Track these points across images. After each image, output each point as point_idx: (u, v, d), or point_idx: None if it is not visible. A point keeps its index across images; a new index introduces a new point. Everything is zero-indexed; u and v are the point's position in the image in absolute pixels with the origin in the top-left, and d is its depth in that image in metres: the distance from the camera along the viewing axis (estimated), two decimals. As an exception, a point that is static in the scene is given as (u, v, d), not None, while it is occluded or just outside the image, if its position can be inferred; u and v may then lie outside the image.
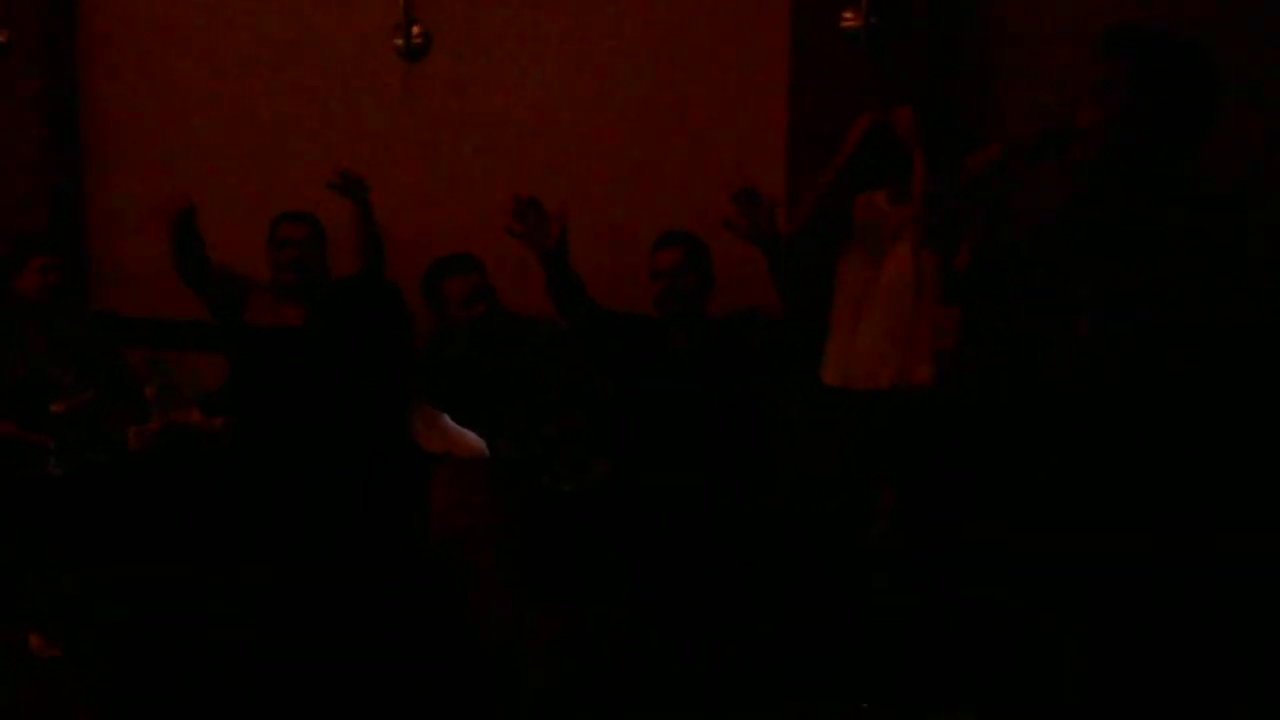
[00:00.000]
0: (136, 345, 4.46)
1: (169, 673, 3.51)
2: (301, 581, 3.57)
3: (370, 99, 4.66)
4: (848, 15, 4.08)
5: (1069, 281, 2.59)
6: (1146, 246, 2.52)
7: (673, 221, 4.05)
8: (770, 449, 3.86)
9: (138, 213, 4.58)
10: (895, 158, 3.57)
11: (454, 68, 4.59)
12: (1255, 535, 2.55)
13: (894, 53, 4.05)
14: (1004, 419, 2.74)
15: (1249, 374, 2.50)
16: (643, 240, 4.00)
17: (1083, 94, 2.58)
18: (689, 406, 3.80)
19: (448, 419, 4.10)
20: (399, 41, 4.60)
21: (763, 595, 3.47)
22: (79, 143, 4.90)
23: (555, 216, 3.72)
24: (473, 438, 4.06)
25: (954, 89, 4.01)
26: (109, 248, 4.87)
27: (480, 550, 3.49)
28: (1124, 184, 2.58)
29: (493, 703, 3.41)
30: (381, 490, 3.74)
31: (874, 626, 3.44)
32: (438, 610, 3.52)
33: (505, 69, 4.54)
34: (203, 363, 4.34)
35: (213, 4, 4.75)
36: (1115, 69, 2.55)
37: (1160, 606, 2.53)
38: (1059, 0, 3.99)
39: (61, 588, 3.73)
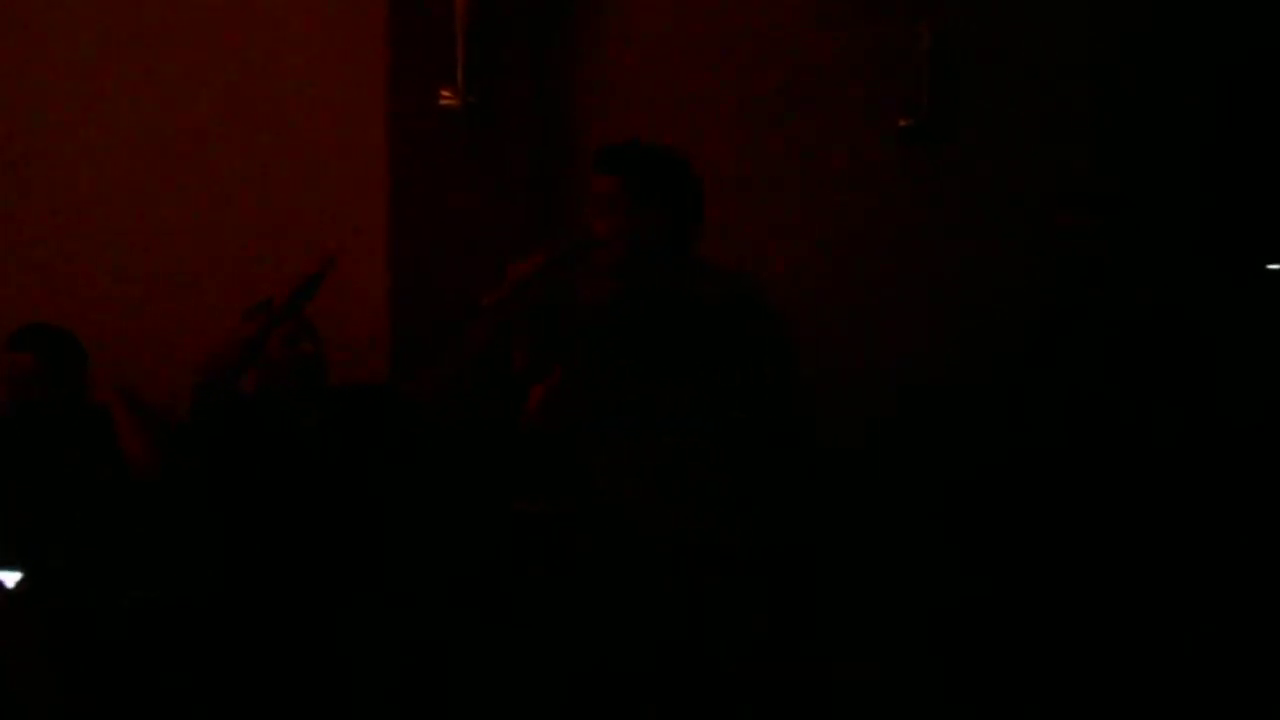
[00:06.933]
0: None
1: None
2: None
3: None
4: (445, 93, 4.10)
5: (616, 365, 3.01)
6: (681, 326, 2.95)
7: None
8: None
9: None
10: None
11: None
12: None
13: (494, 130, 4.12)
14: None
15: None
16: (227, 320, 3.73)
17: (591, 207, 3.00)
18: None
19: None
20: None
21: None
22: None
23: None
24: None
25: (555, 166, 4.16)
26: None
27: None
28: (647, 276, 3.00)
29: None
30: None
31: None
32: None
33: (65, 139, 4.19)
34: None
35: None
36: (614, 183, 2.97)
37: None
38: (668, 74, 4.23)
39: None
